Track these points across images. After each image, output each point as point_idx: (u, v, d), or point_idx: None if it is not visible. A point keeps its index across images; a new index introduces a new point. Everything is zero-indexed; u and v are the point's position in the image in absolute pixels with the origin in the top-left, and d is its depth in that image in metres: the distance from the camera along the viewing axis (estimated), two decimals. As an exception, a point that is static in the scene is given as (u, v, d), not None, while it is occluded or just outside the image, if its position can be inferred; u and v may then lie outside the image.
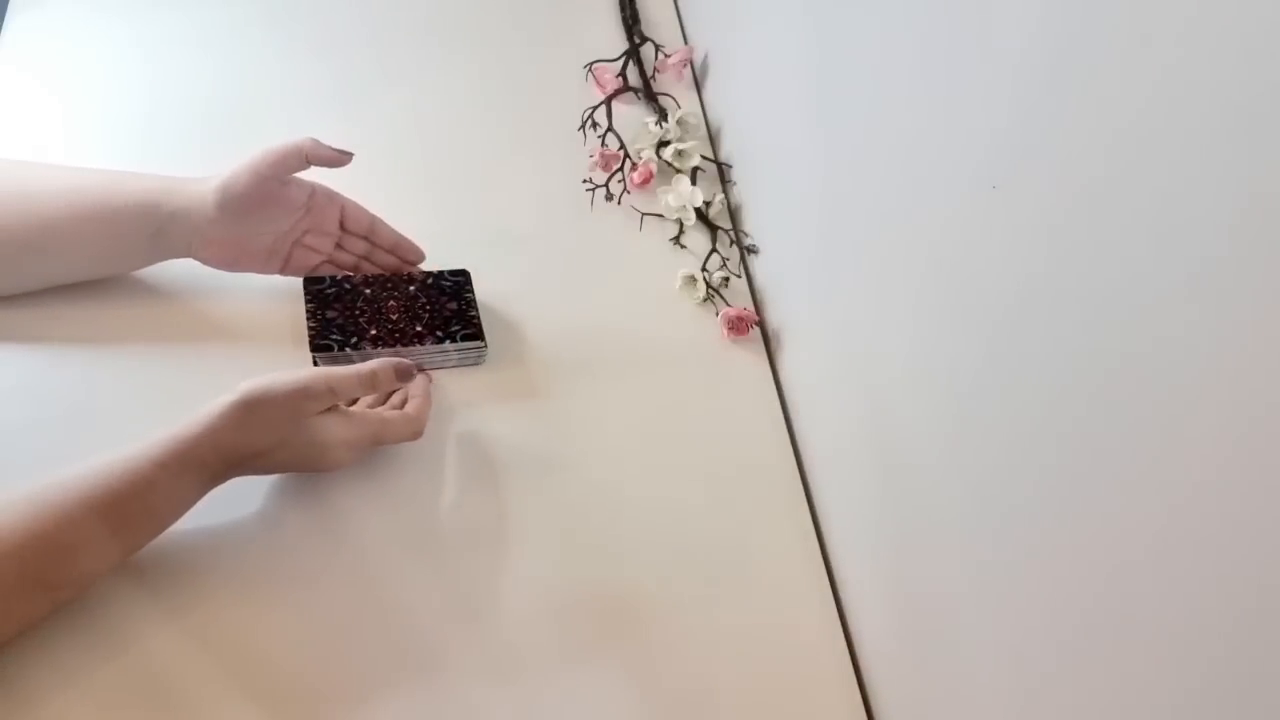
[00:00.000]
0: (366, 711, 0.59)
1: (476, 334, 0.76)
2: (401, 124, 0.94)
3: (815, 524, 0.73)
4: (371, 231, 0.77)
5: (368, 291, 0.76)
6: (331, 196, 0.74)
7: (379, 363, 0.65)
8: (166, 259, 0.73)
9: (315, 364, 0.72)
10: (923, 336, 0.60)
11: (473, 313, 0.77)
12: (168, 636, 0.60)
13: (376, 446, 0.67)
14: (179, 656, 0.59)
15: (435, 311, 0.76)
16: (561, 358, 0.79)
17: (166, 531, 0.59)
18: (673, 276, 0.85)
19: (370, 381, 0.64)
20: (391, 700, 0.60)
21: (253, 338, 0.74)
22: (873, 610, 0.67)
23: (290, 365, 0.72)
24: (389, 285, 0.77)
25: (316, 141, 0.70)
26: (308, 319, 0.73)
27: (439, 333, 0.75)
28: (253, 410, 0.58)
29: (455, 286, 0.78)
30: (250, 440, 0.59)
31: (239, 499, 0.64)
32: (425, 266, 0.79)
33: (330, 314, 0.74)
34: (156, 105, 0.91)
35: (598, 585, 0.67)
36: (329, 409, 0.63)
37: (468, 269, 0.80)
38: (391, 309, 0.76)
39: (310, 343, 0.72)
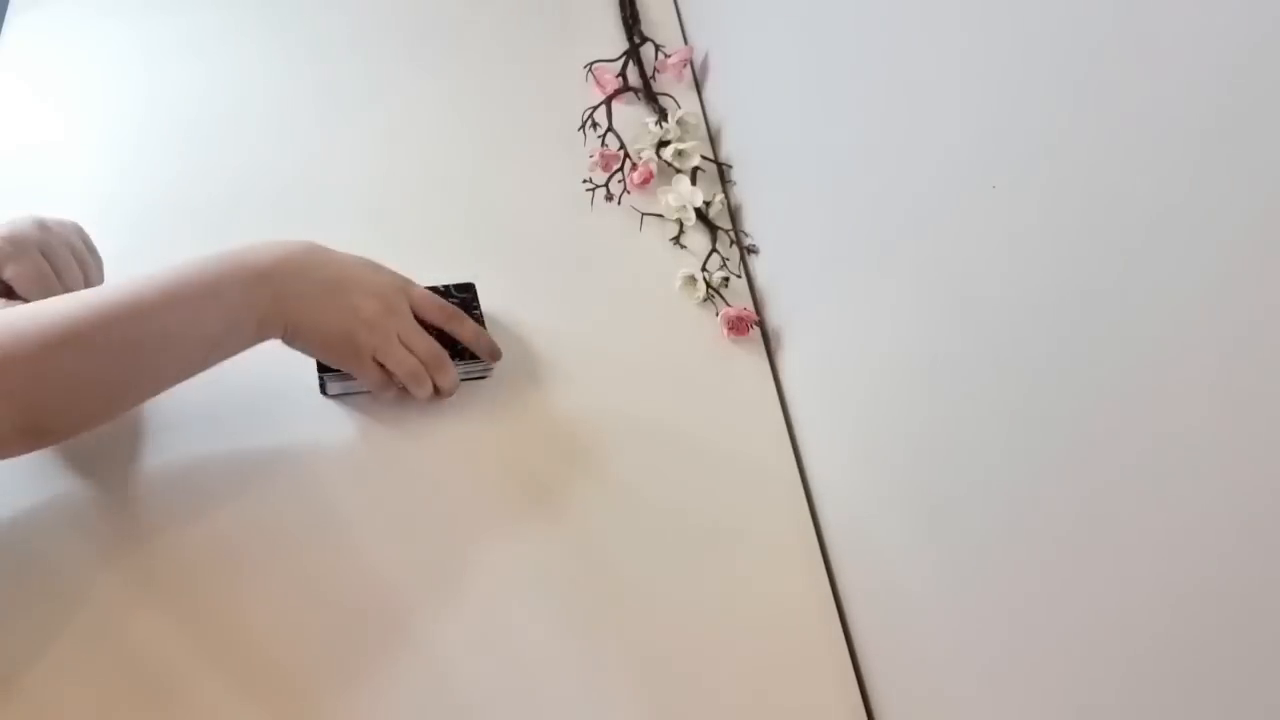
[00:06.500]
0: (357, 693, 0.59)
1: None
2: (401, 125, 0.94)
3: (815, 523, 0.73)
4: (446, 325, 0.73)
5: None
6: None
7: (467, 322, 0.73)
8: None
9: (321, 382, 0.73)
10: (923, 336, 0.60)
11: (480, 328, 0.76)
12: (154, 621, 0.60)
13: (398, 375, 0.69)
14: (166, 641, 0.60)
15: (445, 333, 0.74)
16: (561, 357, 0.79)
17: (161, 517, 0.61)
18: (673, 276, 0.85)
19: (446, 315, 0.72)
20: (388, 686, 0.60)
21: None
22: (873, 608, 0.67)
23: (295, 363, 0.71)
24: None
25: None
26: None
27: (447, 350, 0.73)
28: (316, 247, 0.67)
29: (462, 302, 0.77)
30: (288, 254, 0.65)
31: (236, 484, 0.64)
32: (431, 279, 0.77)
33: None
34: (154, 107, 0.91)
35: (597, 583, 0.67)
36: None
37: (473, 281, 0.79)
38: None
39: (318, 360, 0.71)
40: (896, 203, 0.63)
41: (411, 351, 0.70)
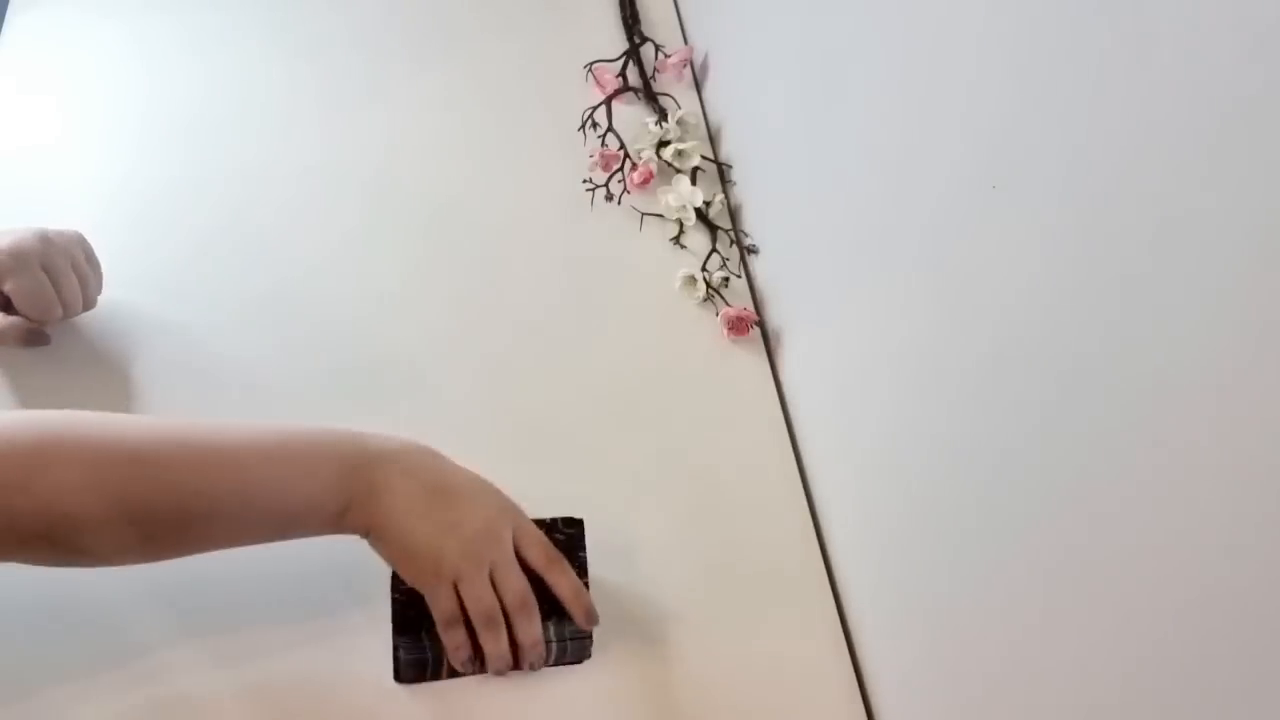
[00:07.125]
0: None
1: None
2: (400, 125, 0.94)
3: (815, 524, 0.73)
4: (547, 572, 0.62)
5: None
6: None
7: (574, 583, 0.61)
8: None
9: (396, 660, 0.62)
10: (922, 336, 0.60)
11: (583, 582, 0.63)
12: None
13: (471, 613, 0.60)
14: (203, 682, 0.59)
15: (541, 583, 0.62)
16: (559, 356, 0.79)
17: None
18: (673, 276, 0.84)
19: (549, 560, 0.61)
20: None
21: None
22: (873, 610, 0.67)
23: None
24: None
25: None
26: (392, 588, 0.61)
27: (542, 608, 0.61)
28: (433, 452, 0.61)
29: (567, 540, 0.65)
30: (399, 450, 0.59)
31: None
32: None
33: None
34: (154, 107, 0.91)
35: (595, 582, 0.67)
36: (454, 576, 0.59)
37: (582, 518, 0.66)
38: None
39: (393, 612, 0.61)
40: (897, 202, 0.63)
41: (499, 593, 0.60)
